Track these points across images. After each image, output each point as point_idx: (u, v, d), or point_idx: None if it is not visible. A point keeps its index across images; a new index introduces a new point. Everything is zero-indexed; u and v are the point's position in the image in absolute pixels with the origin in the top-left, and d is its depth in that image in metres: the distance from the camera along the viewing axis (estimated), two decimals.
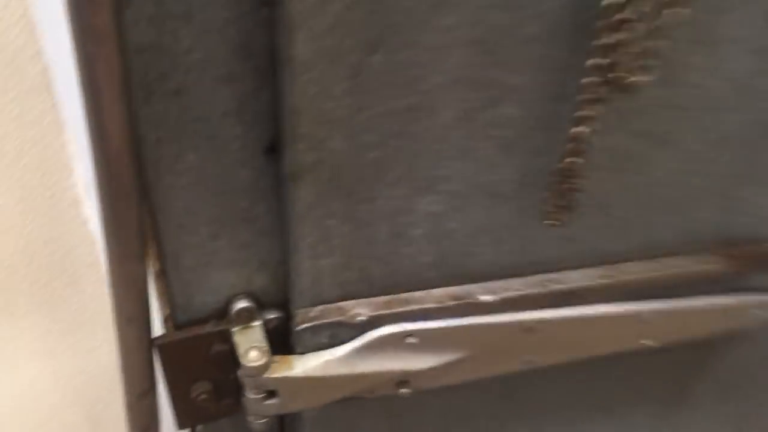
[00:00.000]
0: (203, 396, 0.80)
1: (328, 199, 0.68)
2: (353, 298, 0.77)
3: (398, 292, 0.78)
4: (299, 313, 0.76)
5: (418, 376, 0.82)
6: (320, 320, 0.76)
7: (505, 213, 0.75)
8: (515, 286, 0.80)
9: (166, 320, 0.77)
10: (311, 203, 0.67)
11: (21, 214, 1.01)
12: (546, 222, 0.71)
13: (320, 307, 0.76)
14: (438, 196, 0.72)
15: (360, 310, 0.77)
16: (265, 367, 0.75)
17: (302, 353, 0.77)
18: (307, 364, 0.77)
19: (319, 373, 0.77)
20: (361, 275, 0.75)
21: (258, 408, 0.79)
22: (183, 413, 0.83)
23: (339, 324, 0.77)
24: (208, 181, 0.67)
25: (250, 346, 0.75)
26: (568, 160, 0.68)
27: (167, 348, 0.75)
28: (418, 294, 0.78)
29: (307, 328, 0.76)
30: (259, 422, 0.82)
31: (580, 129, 0.66)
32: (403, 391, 0.83)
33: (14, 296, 1.03)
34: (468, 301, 0.79)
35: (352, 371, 0.78)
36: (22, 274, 1.03)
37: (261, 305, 0.78)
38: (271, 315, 0.77)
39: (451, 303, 0.79)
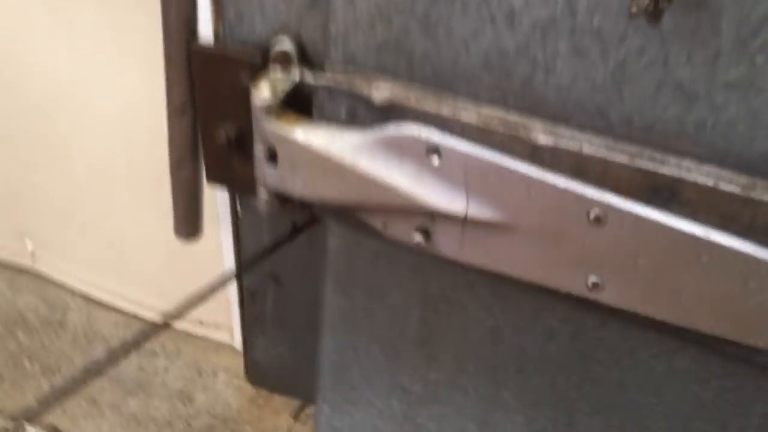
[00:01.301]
0: (229, 141, 0.72)
1: None
2: (388, 73, 0.60)
3: (439, 88, 0.58)
4: (326, 65, 0.62)
5: (439, 226, 0.62)
6: (343, 85, 0.61)
7: None
8: (594, 142, 0.54)
9: (216, 38, 0.70)
10: None
11: None
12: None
13: (349, 71, 0.61)
14: None
15: (387, 87, 0.59)
16: (270, 110, 0.64)
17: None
18: (310, 132, 0.63)
19: (320, 147, 0.63)
20: (398, 42, 0.57)
21: (261, 171, 0.69)
22: (211, 157, 0.76)
23: (360, 97, 0.61)
24: None
25: (269, 85, 0.65)
26: None
27: (202, 57, 0.69)
28: (461, 101, 0.58)
29: (327, 88, 0.62)
30: (265, 199, 0.71)
31: None
32: (419, 241, 0.63)
33: None
34: (520, 135, 0.56)
35: (355, 166, 0.62)
36: None
37: (302, 56, 0.66)
38: (305, 71, 0.65)
39: (499, 128, 0.56)
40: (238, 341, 1.17)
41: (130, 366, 1.18)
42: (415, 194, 0.61)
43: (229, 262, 1.06)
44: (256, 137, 0.67)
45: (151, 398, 1.15)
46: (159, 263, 1.17)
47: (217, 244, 1.09)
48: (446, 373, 0.80)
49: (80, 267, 1.25)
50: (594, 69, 0.52)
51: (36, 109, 1.07)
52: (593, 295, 0.59)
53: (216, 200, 0.99)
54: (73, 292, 1.28)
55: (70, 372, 1.18)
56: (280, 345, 1.02)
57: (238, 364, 1.18)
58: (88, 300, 1.27)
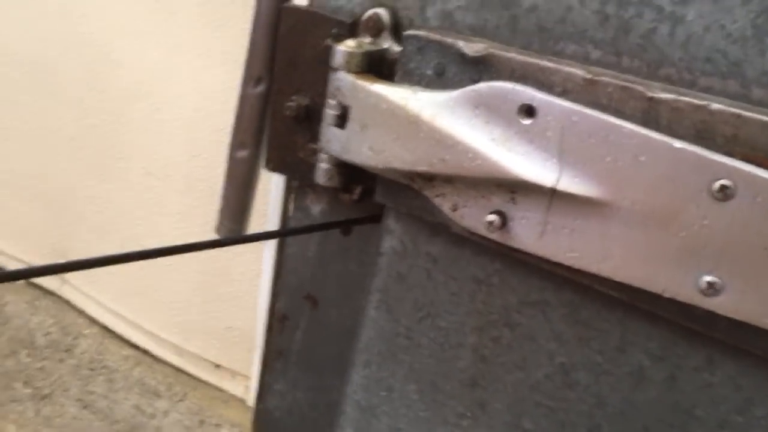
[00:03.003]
0: (298, 114, 0.67)
1: None
2: (487, 31, 0.55)
3: (542, 47, 0.53)
4: (417, 24, 0.58)
5: (520, 206, 0.53)
6: (434, 37, 0.56)
7: None
8: (724, 103, 0.46)
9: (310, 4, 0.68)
10: None
11: None
12: None
13: (444, 27, 0.56)
14: None
15: (483, 45, 0.54)
16: (350, 62, 0.59)
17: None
18: (390, 88, 0.57)
19: (398, 102, 0.56)
20: None
21: (326, 136, 0.62)
22: (275, 135, 0.71)
23: (451, 57, 0.55)
24: None
25: (355, 42, 0.61)
26: None
27: (292, 16, 0.66)
28: (566, 61, 0.52)
29: (416, 48, 0.57)
30: (325, 169, 0.65)
31: None
32: (493, 221, 0.54)
33: None
34: (634, 90, 0.48)
35: (434, 123, 0.55)
36: None
37: (394, 28, 0.62)
38: (392, 39, 0.61)
39: (608, 88, 0.49)
40: (251, 396, 1.04)
41: (126, 403, 1.06)
42: (500, 160, 0.52)
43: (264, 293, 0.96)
44: (329, 95, 0.62)
45: None
46: (186, 295, 1.08)
47: (250, 286, 1.00)
48: (496, 429, 0.65)
49: (105, 294, 1.18)
50: (731, 16, 0.46)
51: (114, 107, 1.07)
52: (707, 302, 0.47)
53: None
54: (91, 320, 1.19)
55: (60, 396, 1.06)
56: (300, 389, 0.89)
57: (246, 421, 1.04)
58: (104, 330, 1.18)
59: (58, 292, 1.22)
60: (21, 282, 1.25)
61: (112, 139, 1.09)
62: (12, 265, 1.27)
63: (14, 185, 1.24)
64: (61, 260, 1.21)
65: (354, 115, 0.60)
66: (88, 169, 1.13)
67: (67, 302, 1.22)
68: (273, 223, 0.86)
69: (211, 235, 0.88)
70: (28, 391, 1.11)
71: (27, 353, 1.16)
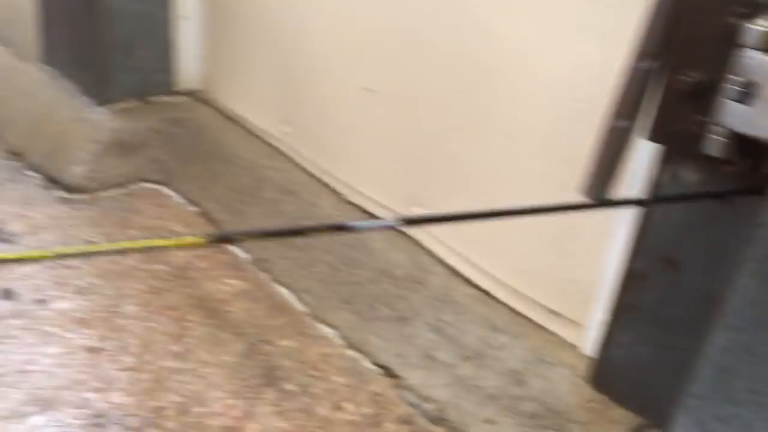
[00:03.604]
0: (691, 89, 0.73)
1: None
2: None
3: None
4: None
5: None
6: None
7: None
8: None
9: None
10: None
11: None
12: None
13: None
14: None
15: None
16: (763, 40, 0.62)
17: None
18: None
19: None
20: None
21: (724, 111, 0.67)
22: (665, 107, 0.77)
23: None
24: None
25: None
26: None
27: None
28: None
29: None
30: (719, 140, 0.69)
31: None
32: None
33: None
34: None
35: None
36: None
37: None
38: None
39: None
40: (584, 344, 1.14)
41: (471, 334, 1.23)
42: None
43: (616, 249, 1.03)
44: (733, 71, 0.66)
45: (483, 369, 1.17)
46: (531, 245, 1.20)
47: (597, 244, 1.08)
48: None
49: (455, 239, 1.36)
50: None
51: (484, 76, 1.22)
52: None
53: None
54: (439, 260, 1.39)
55: (415, 320, 1.27)
56: (647, 343, 0.96)
57: (580, 364, 1.14)
58: (450, 270, 1.36)
59: (411, 234, 1.44)
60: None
61: (477, 104, 1.24)
62: (377, 210, 1.52)
63: (382, 141, 1.47)
64: (417, 208, 1.42)
65: (763, 93, 0.63)
66: (451, 129, 1.30)
67: (418, 243, 1.43)
68: (637, 190, 0.93)
69: (565, 198, 0.97)
70: (389, 312, 1.34)
71: (387, 281, 1.39)
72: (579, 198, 0.91)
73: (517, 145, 1.18)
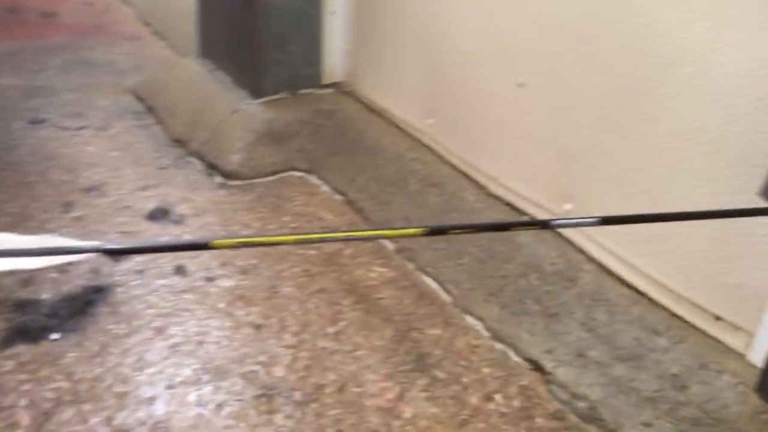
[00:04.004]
0: None
1: None
2: None
3: None
4: None
5: None
6: None
7: None
8: None
9: None
10: None
11: None
12: None
13: None
14: None
15: None
16: None
17: None
18: None
19: None
20: None
21: None
22: None
23: None
24: None
25: None
26: None
27: None
28: None
29: None
30: None
31: None
32: None
33: None
34: None
35: None
36: None
37: None
38: None
39: None
40: (752, 352, 1.09)
41: (626, 334, 1.21)
42: None
43: None
44: None
45: (640, 371, 1.15)
46: (695, 246, 1.17)
47: None
48: None
49: (607, 237, 1.34)
50: None
51: (647, 74, 1.19)
52: None
53: None
54: (590, 258, 1.37)
55: (565, 317, 1.26)
56: None
57: (747, 373, 1.10)
58: (602, 268, 1.35)
59: (560, 230, 1.43)
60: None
61: (639, 102, 1.21)
62: (522, 205, 1.52)
63: (533, 135, 1.47)
64: (565, 203, 1.41)
65: None
66: (608, 127, 1.28)
67: (567, 239, 1.42)
68: None
69: (739, 201, 0.94)
70: (538, 308, 1.34)
71: (536, 277, 1.39)
72: (755, 201, 0.88)
73: (683, 144, 1.14)
